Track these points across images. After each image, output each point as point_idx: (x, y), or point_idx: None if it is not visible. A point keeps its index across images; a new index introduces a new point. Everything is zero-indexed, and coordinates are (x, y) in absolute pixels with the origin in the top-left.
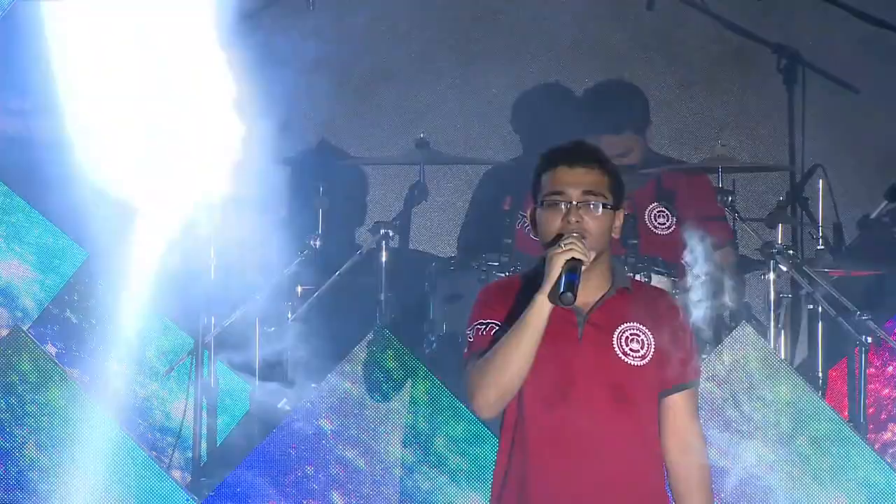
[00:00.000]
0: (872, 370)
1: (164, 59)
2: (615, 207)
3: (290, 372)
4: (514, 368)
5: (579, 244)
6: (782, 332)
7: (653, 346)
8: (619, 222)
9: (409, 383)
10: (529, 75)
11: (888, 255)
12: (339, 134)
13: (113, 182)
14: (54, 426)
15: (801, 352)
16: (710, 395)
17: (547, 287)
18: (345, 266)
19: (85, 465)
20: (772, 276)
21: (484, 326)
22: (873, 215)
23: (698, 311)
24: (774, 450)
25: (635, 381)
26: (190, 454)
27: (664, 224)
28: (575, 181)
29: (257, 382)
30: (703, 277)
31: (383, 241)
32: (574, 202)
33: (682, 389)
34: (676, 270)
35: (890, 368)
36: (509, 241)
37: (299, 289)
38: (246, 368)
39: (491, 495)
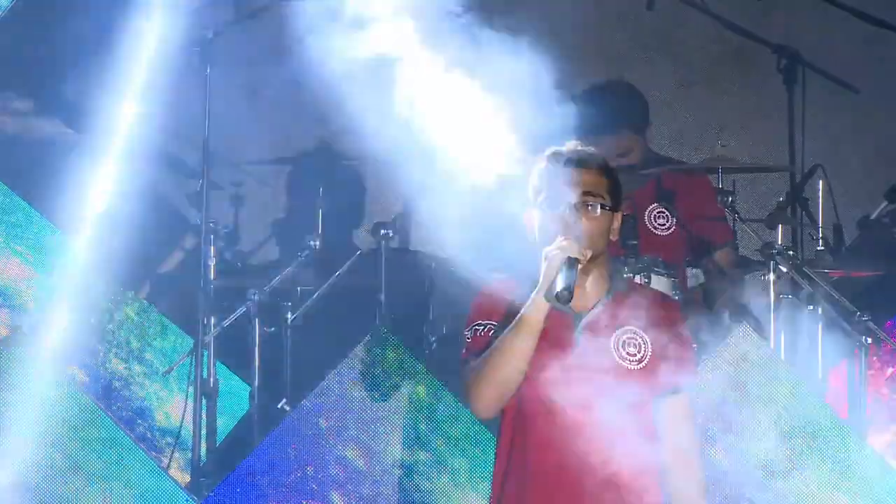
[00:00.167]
0: (872, 371)
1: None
2: (613, 209)
3: (289, 372)
4: (511, 368)
5: (575, 245)
6: (782, 332)
7: (650, 350)
8: (617, 224)
9: (408, 383)
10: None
11: (888, 256)
12: (339, 135)
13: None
14: (55, 427)
15: (801, 353)
16: (710, 396)
17: (543, 286)
18: (344, 266)
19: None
20: (772, 276)
21: (482, 327)
22: (873, 216)
23: (697, 312)
24: (774, 451)
25: (631, 385)
26: (190, 454)
27: (664, 225)
28: (573, 182)
29: (257, 383)
30: (703, 278)
31: (383, 242)
32: (572, 203)
33: (679, 392)
34: (676, 271)
35: (890, 369)
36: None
37: (299, 289)
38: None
39: (490, 496)
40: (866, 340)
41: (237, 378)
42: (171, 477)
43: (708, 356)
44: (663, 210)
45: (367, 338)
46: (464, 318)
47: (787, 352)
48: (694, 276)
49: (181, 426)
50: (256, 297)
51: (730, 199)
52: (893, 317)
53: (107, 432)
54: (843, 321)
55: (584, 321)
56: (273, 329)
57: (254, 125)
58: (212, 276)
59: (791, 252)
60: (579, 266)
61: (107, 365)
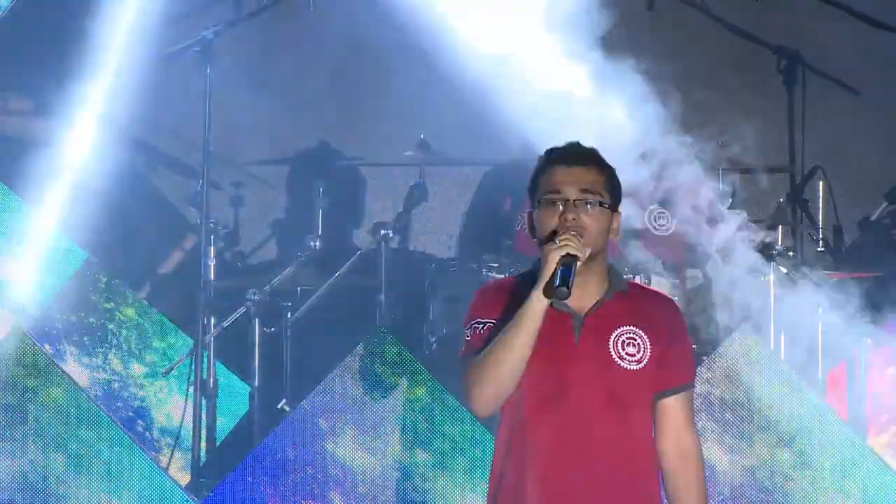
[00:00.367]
0: (872, 372)
1: None
2: (613, 208)
3: (289, 372)
4: (510, 364)
5: (575, 240)
6: (782, 332)
7: (649, 350)
8: (616, 223)
9: (408, 384)
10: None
11: (888, 257)
12: (339, 135)
13: None
14: (54, 426)
15: (801, 354)
16: (710, 396)
17: (542, 282)
18: (344, 266)
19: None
20: (772, 277)
21: (481, 325)
22: (873, 217)
23: (698, 312)
24: (774, 451)
25: (631, 385)
26: (190, 454)
27: (664, 225)
28: (572, 180)
29: (257, 383)
30: (703, 279)
31: (383, 242)
32: (570, 200)
33: (678, 392)
34: (676, 271)
35: (890, 370)
36: (509, 242)
37: (299, 289)
38: (245, 369)
39: (488, 496)
40: (866, 341)
41: (237, 378)
42: (171, 477)
43: (708, 356)
44: (664, 210)
45: (367, 338)
46: (463, 317)
47: (786, 352)
48: (694, 276)
49: (181, 426)
50: (256, 297)
51: (730, 200)
52: (893, 317)
53: (107, 432)
54: (843, 322)
55: (583, 321)
56: (273, 329)
57: (254, 125)
58: (212, 277)
59: (791, 253)
60: (578, 263)
61: (107, 365)
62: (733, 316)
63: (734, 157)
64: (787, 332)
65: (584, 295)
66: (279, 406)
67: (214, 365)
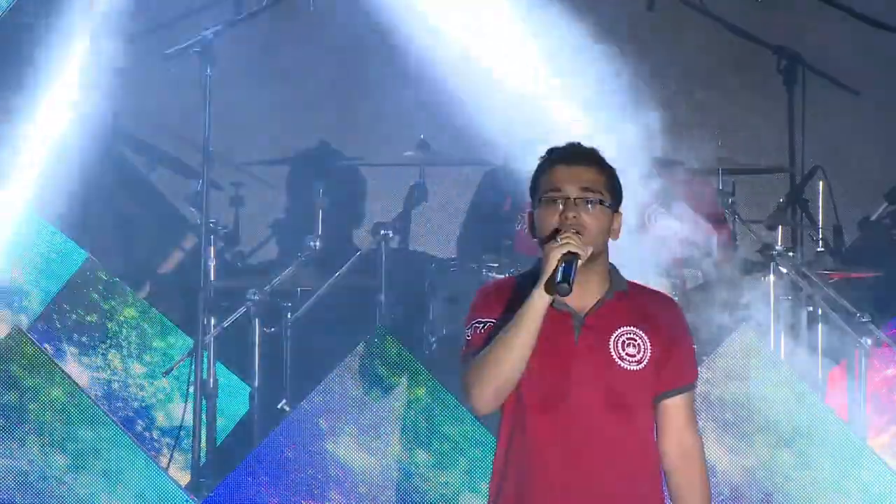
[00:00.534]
0: (872, 372)
1: None
2: (613, 207)
3: (289, 372)
4: (510, 363)
5: (576, 239)
6: (782, 334)
7: (649, 351)
8: (617, 224)
9: (408, 384)
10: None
11: (888, 257)
12: (339, 135)
13: None
14: (54, 426)
15: (801, 354)
16: (710, 397)
17: (544, 280)
18: (344, 267)
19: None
20: (772, 278)
21: (481, 325)
22: (873, 217)
23: (698, 312)
24: (774, 452)
25: (631, 385)
26: (189, 454)
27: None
28: (572, 178)
29: (257, 383)
30: (703, 279)
31: (383, 242)
32: (571, 198)
33: (680, 393)
34: (677, 272)
35: (890, 370)
36: (509, 242)
37: (299, 289)
38: (245, 369)
39: (488, 496)
40: (866, 341)
41: (237, 378)
42: (171, 477)
43: (708, 356)
44: (664, 210)
45: (367, 338)
46: (464, 317)
47: (786, 352)
48: (694, 276)
49: (181, 426)
50: (256, 298)
51: (730, 200)
52: (893, 318)
53: (107, 432)
54: (843, 322)
55: (583, 320)
56: (273, 329)
57: (254, 125)
58: (212, 277)
59: (791, 253)
60: (579, 261)
61: (107, 365)
62: (733, 316)
63: (734, 158)
64: (787, 333)
65: (585, 295)
66: (279, 406)
67: (214, 365)
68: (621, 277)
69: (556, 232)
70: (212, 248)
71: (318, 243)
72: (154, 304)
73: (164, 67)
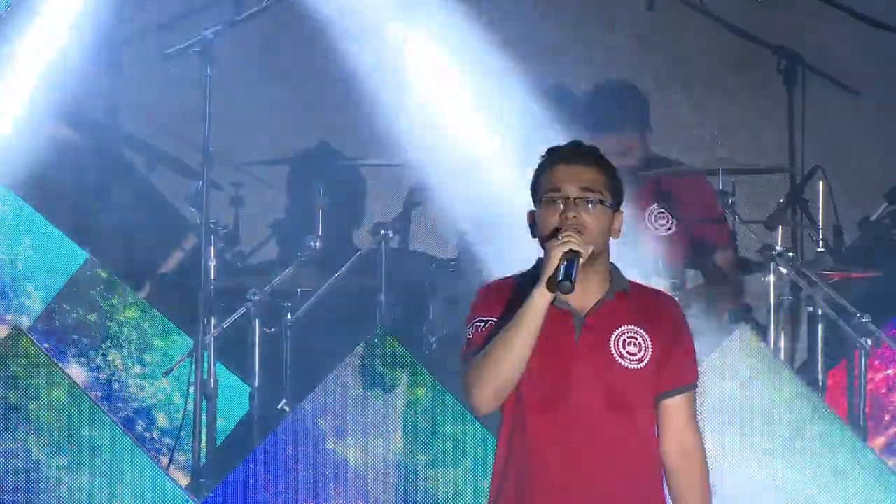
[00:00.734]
0: (872, 372)
1: None
2: (613, 207)
3: (289, 373)
4: (511, 362)
5: (577, 237)
6: (782, 334)
7: (650, 350)
8: (618, 224)
9: (408, 384)
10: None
11: (888, 257)
12: (339, 135)
13: None
14: (55, 426)
15: (801, 354)
16: (710, 397)
17: (545, 278)
18: (344, 267)
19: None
20: (772, 278)
21: (482, 324)
22: (873, 217)
23: (698, 312)
24: (774, 452)
25: (632, 384)
26: (189, 455)
27: (665, 225)
28: (573, 178)
29: (257, 383)
30: (703, 279)
31: (383, 242)
32: (571, 198)
33: (680, 392)
34: (676, 272)
35: (890, 370)
36: None
37: (299, 289)
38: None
39: (489, 496)
40: (866, 342)
41: (237, 378)
42: (171, 477)
43: (708, 357)
44: (664, 210)
45: (367, 338)
46: (464, 317)
47: (786, 353)
48: (694, 276)
49: (181, 426)
50: (256, 298)
51: (730, 200)
52: (893, 318)
53: (107, 432)
54: (843, 322)
55: (584, 320)
56: (273, 329)
57: (254, 125)
58: (212, 277)
59: (791, 253)
60: (581, 260)
61: (107, 365)
62: (733, 317)
63: (734, 158)
64: (787, 333)
65: (586, 294)
66: (279, 406)
67: (214, 365)
68: (622, 277)
69: (557, 231)
70: (212, 248)
71: (318, 243)
72: (154, 304)
73: (164, 67)
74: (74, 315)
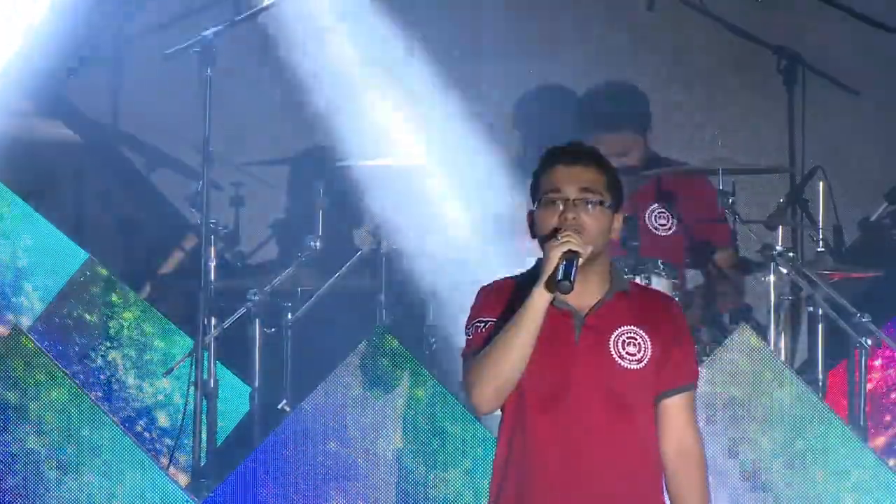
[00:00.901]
0: (872, 372)
1: None
2: (613, 208)
3: (289, 373)
4: (511, 362)
5: (575, 237)
6: (782, 334)
7: (649, 350)
8: (617, 224)
9: (408, 384)
10: (529, 75)
11: (888, 257)
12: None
13: None
14: (54, 426)
15: (801, 354)
16: (710, 397)
17: (544, 278)
18: (344, 267)
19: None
20: (772, 278)
21: (482, 324)
22: (874, 217)
23: (698, 312)
24: (774, 452)
25: (631, 385)
26: (190, 454)
27: (665, 225)
28: (572, 179)
29: (257, 383)
30: (704, 279)
31: (383, 242)
32: (570, 199)
33: (679, 392)
34: (677, 272)
35: (890, 371)
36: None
37: (299, 290)
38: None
39: (489, 496)
40: (866, 341)
41: (237, 378)
42: (171, 477)
43: (707, 357)
44: (664, 210)
45: (368, 338)
46: (464, 318)
47: (786, 353)
48: (694, 276)
49: (181, 426)
50: (257, 298)
51: (730, 200)
52: (893, 318)
53: (107, 432)
54: (843, 322)
55: (583, 320)
56: (273, 329)
57: (254, 125)
58: (212, 277)
59: (791, 253)
60: (580, 260)
61: (107, 365)
62: (734, 317)
63: (734, 158)
64: (788, 333)
65: (585, 295)
66: (279, 406)
67: (214, 365)
68: (622, 277)
69: (556, 231)
70: (212, 248)
71: (318, 243)
72: (154, 304)
73: (164, 67)
74: (74, 315)
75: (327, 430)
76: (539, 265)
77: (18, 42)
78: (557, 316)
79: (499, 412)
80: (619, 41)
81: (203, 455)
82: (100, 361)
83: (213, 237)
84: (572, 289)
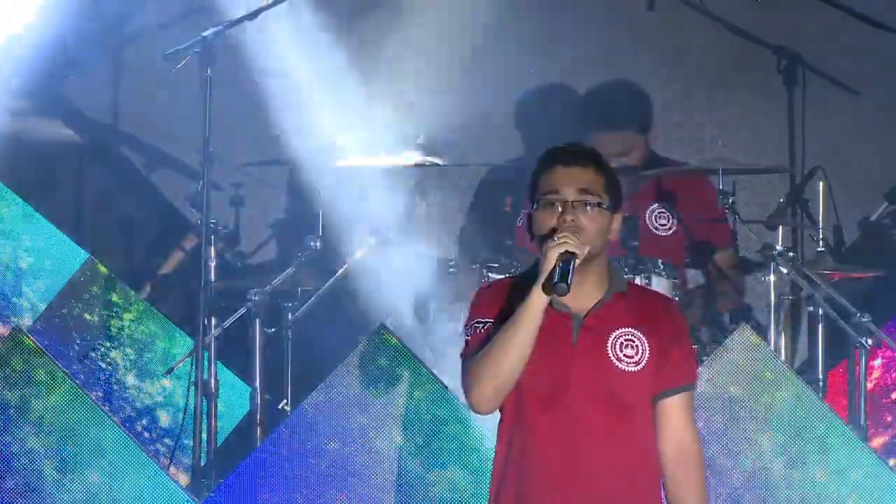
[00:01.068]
0: (872, 372)
1: None
2: (612, 209)
3: (290, 373)
4: (509, 362)
5: (573, 238)
6: (782, 334)
7: (647, 352)
8: (616, 225)
9: (408, 384)
10: (529, 75)
11: (888, 257)
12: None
13: None
14: (55, 426)
15: (801, 354)
16: (710, 397)
17: (542, 279)
18: (345, 267)
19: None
20: (772, 278)
21: (481, 325)
22: (874, 217)
23: (698, 312)
24: (774, 453)
25: (629, 386)
26: (190, 455)
27: (665, 225)
28: (570, 180)
29: (257, 383)
30: (704, 279)
31: (383, 242)
32: (569, 200)
33: (678, 393)
34: (677, 272)
35: (890, 371)
36: (510, 242)
37: (299, 289)
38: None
39: (489, 495)
40: (866, 341)
41: (238, 378)
42: (171, 477)
43: (707, 357)
44: (664, 210)
45: (368, 338)
46: (464, 317)
47: (786, 353)
48: (694, 277)
49: (181, 426)
50: (257, 298)
51: (730, 200)
52: (893, 318)
53: (107, 432)
54: (843, 322)
55: (582, 321)
56: (273, 329)
57: (254, 125)
58: (212, 277)
59: (791, 253)
60: (577, 261)
61: (107, 365)
62: (734, 317)
63: (734, 158)
64: (788, 333)
65: (584, 296)
66: (280, 406)
67: (215, 365)
68: (622, 278)
69: (554, 232)
70: (212, 249)
71: (318, 243)
72: (154, 304)
73: (164, 67)
74: (74, 315)
75: (328, 430)
76: (538, 265)
77: (18, 42)
78: (556, 317)
79: (498, 412)
80: (619, 41)
81: (203, 455)
82: (100, 361)
83: (213, 237)
84: (568, 291)
